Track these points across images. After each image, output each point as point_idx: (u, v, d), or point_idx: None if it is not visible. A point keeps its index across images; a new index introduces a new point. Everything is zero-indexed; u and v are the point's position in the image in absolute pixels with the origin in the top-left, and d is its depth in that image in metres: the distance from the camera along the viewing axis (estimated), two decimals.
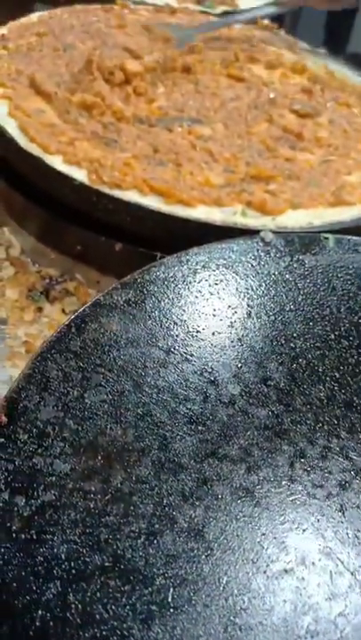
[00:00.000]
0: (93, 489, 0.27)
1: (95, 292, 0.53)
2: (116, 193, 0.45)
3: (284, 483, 0.29)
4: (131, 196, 0.45)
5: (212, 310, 0.37)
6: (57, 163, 0.47)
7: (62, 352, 0.33)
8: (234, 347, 0.36)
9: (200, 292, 0.38)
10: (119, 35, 0.68)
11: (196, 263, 0.40)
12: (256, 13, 0.75)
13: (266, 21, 0.97)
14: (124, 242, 0.48)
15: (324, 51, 0.80)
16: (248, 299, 0.39)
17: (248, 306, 0.38)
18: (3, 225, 0.56)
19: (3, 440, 0.28)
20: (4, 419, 0.29)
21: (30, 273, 0.53)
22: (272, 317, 0.38)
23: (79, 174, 0.46)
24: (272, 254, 0.43)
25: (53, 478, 0.27)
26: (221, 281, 0.40)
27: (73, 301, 0.52)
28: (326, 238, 0.45)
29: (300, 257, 0.43)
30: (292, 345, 0.36)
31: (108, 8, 0.75)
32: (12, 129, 0.49)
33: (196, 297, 0.38)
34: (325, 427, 0.32)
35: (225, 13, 0.85)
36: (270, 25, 0.83)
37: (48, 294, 0.52)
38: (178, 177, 0.48)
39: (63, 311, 0.51)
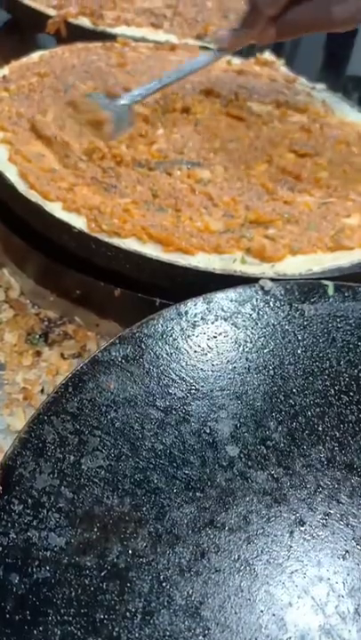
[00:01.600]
0: (89, 564, 0.27)
1: (94, 334, 0.53)
2: (115, 241, 0.45)
3: (283, 553, 0.29)
4: (130, 243, 0.45)
5: (210, 366, 0.37)
6: (56, 210, 0.47)
7: (59, 414, 0.32)
8: (233, 405, 0.35)
9: (199, 346, 0.38)
10: (119, 74, 0.69)
11: (195, 315, 0.40)
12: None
13: (267, 54, 0.99)
14: (123, 287, 0.48)
15: (323, 86, 0.81)
16: (247, 352, 0.39)
17: (247, 360, 0.38)
18: (2, 266, 0.56)
19: None
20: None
21: (29, 315, 0.53)
22: (271, 372, 0.38)
23: (78, 222, 0.46)
24: (271, 304, 0.43)
25: (48, 553, 0.27)
26: (220, 334, 0.39)
27: (72, 345, 0.52)
28: (326, 285, 0.45)
29: (300, 306, 0.43)
30: (291, 402, 0.36)
31: (109, 46, 0.76)
32: (12, 175, 0.49)
33: (195, 351, 0.38)
34: (326, 491, 0.32)
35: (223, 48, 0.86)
36: (270, 60, 0.84)
37: (47, 337, 0.52)
38: (177, 223, 0.48)
39: (62, 356, 0.50)
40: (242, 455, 0.32)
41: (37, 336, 0.52)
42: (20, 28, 0.97)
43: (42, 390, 0.48)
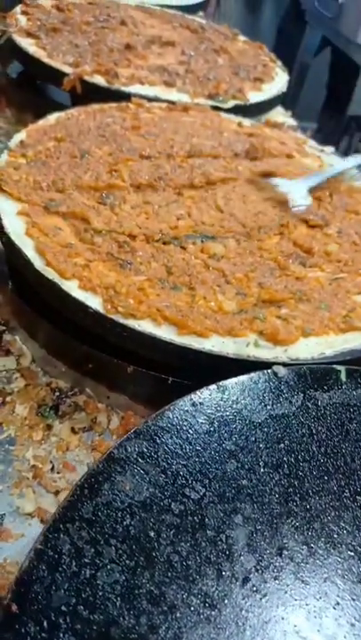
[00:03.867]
0: None
1: (105, 406, 0.53)
2: (131, 322, 0.46)
3: None
4: (145, 325, 0.46)
5: (225, 465, 0.37)
6: (73, 288, 0.47)
7: (75, 520, 0.32)
8: (248, 508, 0.35)
9: (215, 442, 0.38)
10: (133, 137, 0.70)
11: (210, 406, 0.40)
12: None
13: (279, 109, 1.01)
14: (136, 365, 0.48)
15: (331, 149, 0.82)
16: (263, 449, 0.38)
17: (262, 458, 0.38)
18: (14, 333, 0.57)
19: (11, 636, 0.27)
20: (15, 608, 0.28)
21: (40, 385, 0.53)
22: (286, 471, 0.38)
23: (94, 301, 0.47)
24: (285, 392, 0.43)
25: None
26: (235, 428, 0.39)
27: (82, 418, 0.51)
28: (338, 371, 0.46)
29: (313, 394, 0.43)
30: (306, 505, 0.36)
31: (124, 107, 0.78)
32: (29, 250, 0.50)
33: (210, 446, 0.38)
34: (343, 609, 0.31)
35: (236, 108, 0.88)
36: (279, 123, 0.85)
37: (58, 409, 0.52)
38: (191, 303, 0.48)
39: (73, 430, 0.50)
40: (258, 567, 0.32)
41: (48, 408, 0.52)
42: (34, 80, 0.99)
43: (52, 468, 0.47)
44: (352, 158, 0.73)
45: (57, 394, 0.53)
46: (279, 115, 1.08)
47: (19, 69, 1.02)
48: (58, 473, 0.47)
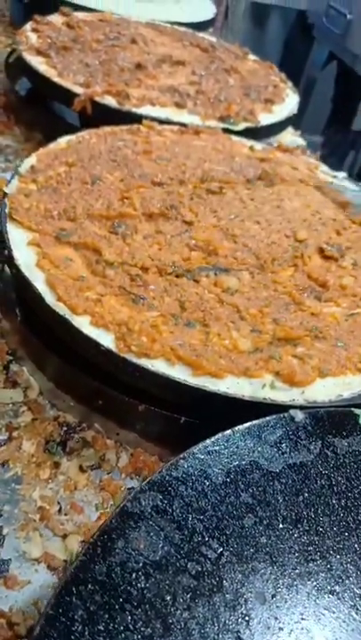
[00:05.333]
0: None
1: (113, 442, 0.51)
2: (144, 362, 0.44)
3: None
4: (159, 365, 0.44)
5: (242, 520, 0.35)
6: (84, 325, 0.46)
7: (88, 582, 0.31)
8: (267, 569, 0.34)
9: (232, 495, 0.37)
10: (145, 162, 0.69)
11: (225, 454, 0.39)
12: None
13: (289, 129, 1.00)
14: (147, 404, 0.47)
15: (343, 174, 0.81)
16: (281, 502, 0.37)
17: (280, 512, 0.37)
18: (21, 363, 0.55)
19: None
20: None
21: (48, 420, 0.52)
22: (306, 527, 0.36)
23: (107, 339, 0.45)
24: (303, 439, 0.42)
25: None
26: (252, 478, 0.38)
27: (91, 455, 0.50)
28: (357, 415, 0.44)
29: (332, 440, 0.42)
30: (327, 565, 0.34)
31: (135, 130, 0.77)
32: (40, 284, 0.48)
33: (226, 498, 0.36)
34: None
35: (247, 130, 0.87)
36: (292, 148, 0.85)
37: (65, 445, 0.50)
38: (206, 341, 0.47)
39: (81, 468, 0.49)
40: (278, 633, 0.31)
41: (56, 444, 0.50)
42: (43, 97, 0.99)
43: (59, 509, 0.46)
44: None
45: (65, 429, 0.52)
46: (288, 134, 1.08)
47: (27, 86, 1.01)
48: (65, 515, 0.46)
